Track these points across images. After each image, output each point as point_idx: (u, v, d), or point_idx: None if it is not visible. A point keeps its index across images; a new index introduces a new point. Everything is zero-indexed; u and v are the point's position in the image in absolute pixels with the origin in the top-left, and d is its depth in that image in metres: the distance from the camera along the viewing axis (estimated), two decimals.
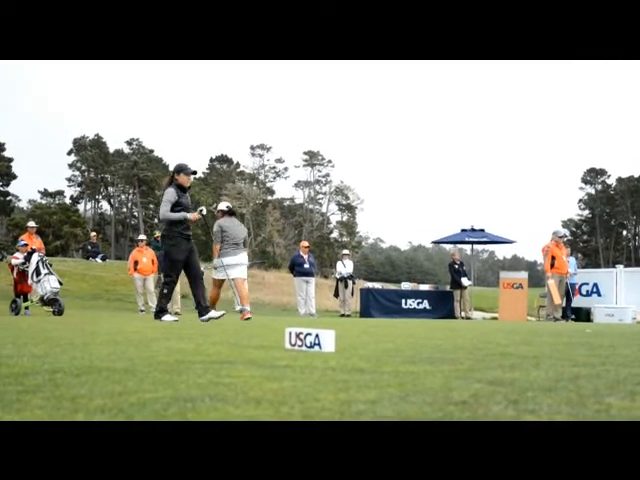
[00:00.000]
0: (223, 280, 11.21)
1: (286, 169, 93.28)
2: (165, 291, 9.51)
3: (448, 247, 37.27)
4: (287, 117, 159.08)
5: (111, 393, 1.85)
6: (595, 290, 18.00)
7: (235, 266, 11.10)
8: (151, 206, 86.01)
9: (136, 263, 17.68)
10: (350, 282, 19.65)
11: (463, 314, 19.22)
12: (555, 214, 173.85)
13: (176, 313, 17.42)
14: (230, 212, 11.49)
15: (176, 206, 9.31)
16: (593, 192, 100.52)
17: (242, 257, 11.28)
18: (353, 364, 2.77)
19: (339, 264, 20.41)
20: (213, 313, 9.50)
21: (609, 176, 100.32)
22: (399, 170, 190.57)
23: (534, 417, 1.51)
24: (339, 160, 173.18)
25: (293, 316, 17.70)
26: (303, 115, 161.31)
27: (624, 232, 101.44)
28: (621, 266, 19.55)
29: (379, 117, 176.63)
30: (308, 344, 3.46)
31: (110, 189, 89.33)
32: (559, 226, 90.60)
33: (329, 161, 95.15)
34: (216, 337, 4.98)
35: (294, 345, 3.54)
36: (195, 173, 9.83)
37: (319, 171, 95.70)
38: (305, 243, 19.36)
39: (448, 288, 20.11)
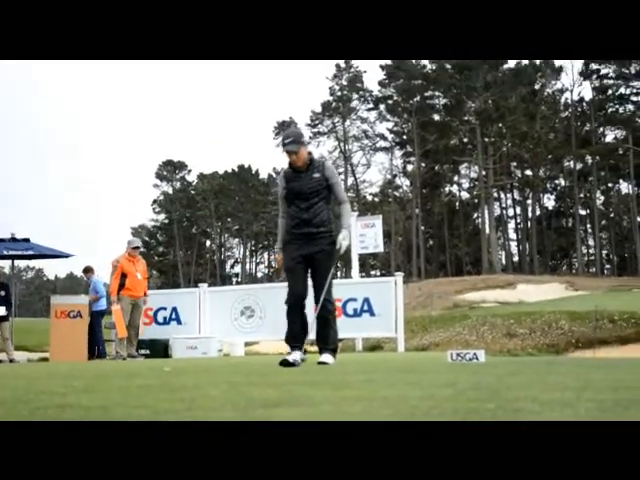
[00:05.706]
0: None
1: None
2: None
3: None
4: None
5: None
6: (174, 316, 18.71)
7: None
8: None
9: None
10: None
11: (5, 356, 18.72)
12: (124, 220, 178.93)
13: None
14: None
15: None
16: (171, 191, 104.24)
17: None
18: None
19: None
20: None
21: (189, 171, 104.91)
22: None
23: None
24: None
25: None
26: None
27: (207, 242, 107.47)
28: (205, 285, 20.69)
29: None
30: None
31: None
32: (129, 235, 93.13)
33: None
34: None
35: None
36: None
37: None
38: None
39: None
